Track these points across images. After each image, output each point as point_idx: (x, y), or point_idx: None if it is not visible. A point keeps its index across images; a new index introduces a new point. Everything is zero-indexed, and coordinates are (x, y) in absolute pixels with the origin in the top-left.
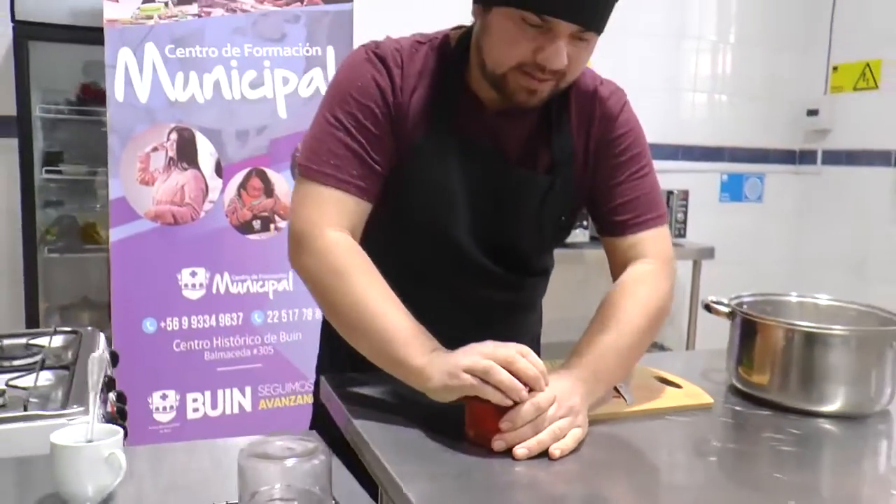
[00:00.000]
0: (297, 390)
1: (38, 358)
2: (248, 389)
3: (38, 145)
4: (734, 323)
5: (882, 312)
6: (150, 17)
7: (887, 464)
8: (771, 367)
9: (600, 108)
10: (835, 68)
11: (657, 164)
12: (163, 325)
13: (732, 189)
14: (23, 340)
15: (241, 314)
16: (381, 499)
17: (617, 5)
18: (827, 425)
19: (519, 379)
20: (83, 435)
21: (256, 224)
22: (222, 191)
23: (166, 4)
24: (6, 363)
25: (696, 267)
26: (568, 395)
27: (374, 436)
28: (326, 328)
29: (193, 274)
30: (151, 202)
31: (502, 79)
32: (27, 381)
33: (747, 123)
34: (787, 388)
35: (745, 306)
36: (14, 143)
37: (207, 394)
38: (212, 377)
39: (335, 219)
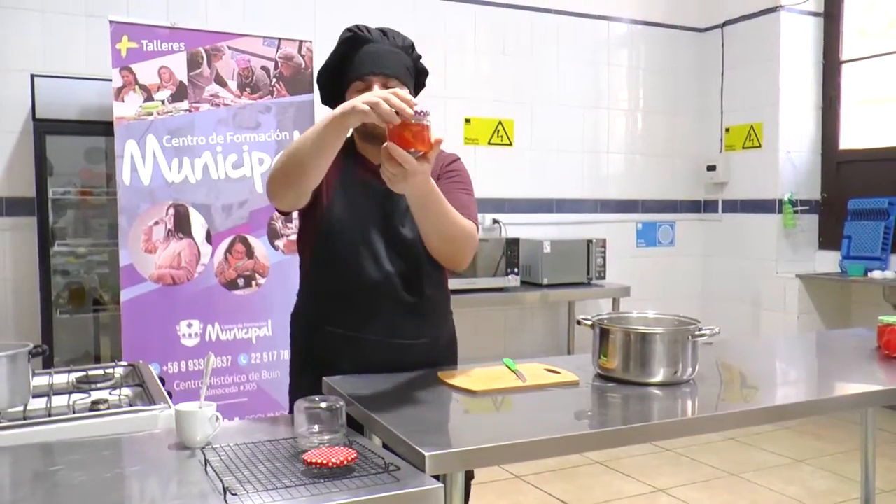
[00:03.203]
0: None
1: (115, 380)
2: (235, 419)
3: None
4: (595, 332)
5: (685, 318)
6: (151, 114)
7: (691, 408)
8: (616, 356)
9: (439, 161)
10: (727, 130)
11: (579, 217)
12: (165, 368)
13: (647, 236)
14: (100, 371)
15: (229, 357)
16: (365, 432)
17: (542, 81)
18: (654, 390)
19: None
20: (193, 406)
21: (241, 281)
22: (212, 255)
23: (163, 102)
24: (95, 384)
25: (615, 304)
26: (421, 172)
27: (349, 391)
28: (294, 326)
29: (190, 325)
30: (154, 267)
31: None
32: (119, 392)
33: (657, 178)
34: (627, 369)
35: (603, 320)
36: (34, 221)
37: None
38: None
39: None
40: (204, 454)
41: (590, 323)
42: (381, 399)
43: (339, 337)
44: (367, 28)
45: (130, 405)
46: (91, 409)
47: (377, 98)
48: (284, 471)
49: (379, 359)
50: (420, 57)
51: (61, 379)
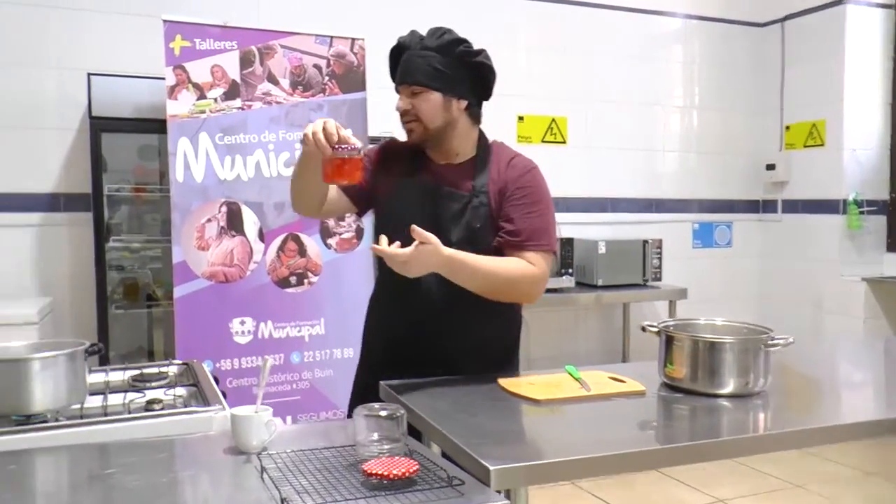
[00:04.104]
0: (330, 418)
1: (169, 379)
2: (288, 418)
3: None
4: (661, 339)
5: (757, 327)
6: (203, 112)
7: (766, 422)
8: (684, 365)
9: (510, 170)
10: (787, 127)
11: (634, 216)
12: (218, 365)
13: (703, 236)
14: (154, 369)
15: (282, 355)
16: (423, 439)
17: (595, 78)
18: (724, 402)
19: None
20: (249, 410)
21: (293, 279)
22: (264, 253)
23: (216, 100)
24: (150, 382)
25: (672, 306)
26: (415, 261)
27: (408, 397)
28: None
29: (242, 322)
30: (206, 264)
31: None
32: (174, 392)
33: (713, 177)
34: (695, 379)
35: (669, 327)
36: (89, 216)
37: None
38: None
39: None
40: (260, 461)
41: (655, 330)
42: (440, 406)
43: (388, 337)
44: (412, 34)
45: (185, 406)
46: (146, 409)
47: (308, 130)
48: (343, 481)
49: (426, 361)
50: (472, 52)
51: (117, 376)
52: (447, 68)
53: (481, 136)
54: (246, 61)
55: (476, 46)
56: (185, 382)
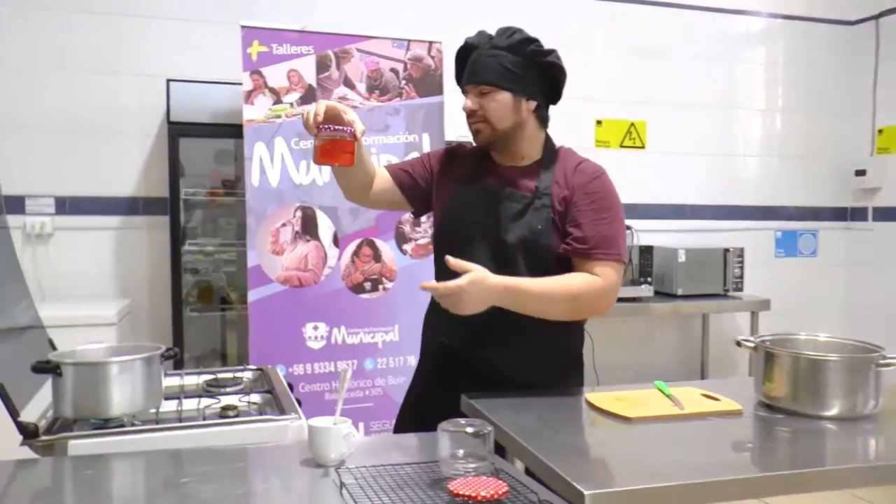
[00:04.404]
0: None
1: (244, 384)
2: (360, 425)
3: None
4: (758, 354)
5: (866, 345)
6: (279, 116)
7: (875, 451)
8: (785, 384)
9: (577, 175)
10: (879, 131)
11: (714, 224)
12: (291, 370)
13: (787, 245)
14: (229, 374)
15: (355, 361)
16: (507, 455)
17: (675, 80)
18: (829, 425)
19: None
20: (327, 422)
21: (367, 285)
22: (339, 258)
23: (291, 105)
24: (225, 388)
25: (754, 318)
26: (468, 294)
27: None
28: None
29: (316, 328)
30: (281, 269)
31: None
32: (248, 398)
33: (797, 183)
34: (797, 399)
35: (766, 342)
36: (166, 220)
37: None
38: (331, 414)
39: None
40: (339, 475)
41: (752, 345)
42: (525, 422)
43: (444, 350)
44: (480, 34)
45: (260, 413)
46: (220, 416)
47: (304, 111)
48: (427, 501)
49: (483, 375)
50: (543, 52)
51: (192, 381)
52: (517, 68)
53: (548, 139)
54: (322, 66)
55: (550, 48)
56: (260, 388)
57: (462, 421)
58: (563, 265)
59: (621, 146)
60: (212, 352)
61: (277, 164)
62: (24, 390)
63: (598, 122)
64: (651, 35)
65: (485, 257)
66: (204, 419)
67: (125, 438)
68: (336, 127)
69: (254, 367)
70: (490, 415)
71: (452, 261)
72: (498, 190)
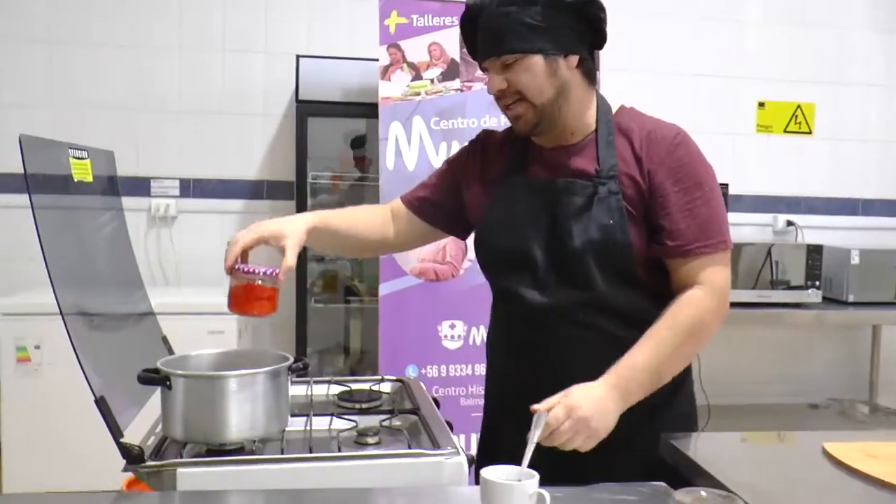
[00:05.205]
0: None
1: (381, 401)
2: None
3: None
4: None
5: None
6: (418, 94)
7: None
8: None
9: (652, 146)
10: None
11: (888, 222)
12: (423, 371)
13: None
14: (363, 386)
15: None
16: None
17: (847, 57)
18: None
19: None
20: (505, 474)
21: None
22: None
23: (432, 81)
24: (360, 404)
25: None
26: (584, 411)
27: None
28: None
29: (452, 326)
30: (416, 260)
31: None
32: (390, 421)
33: None
34: None
35: None
36: (292, 204)
37: (462, 436)
38: (467, 422)
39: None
40: None
41: None
42: (763, 484)
43: (502, 374)
44: None
45: (408, 445)
46: (358, 443)
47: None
48: None
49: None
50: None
51: (321, 392)
52: (540, 19)
53: (600, 102)
54: None
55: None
56: (404, 407)
57: (703, 492)
58: (650, 264)
59: (785, 131)
60: (335, 346)
61: (415, 146)
62: (134, 395)
63: (761, 105)
64: (820, 3)
65: (545, 275)
66: (339, 449)
67: (243, 470)
68: (253, 269)
69: (392, 377)
70: (713, 471)
71: (536, 407)
72: (548, 182)
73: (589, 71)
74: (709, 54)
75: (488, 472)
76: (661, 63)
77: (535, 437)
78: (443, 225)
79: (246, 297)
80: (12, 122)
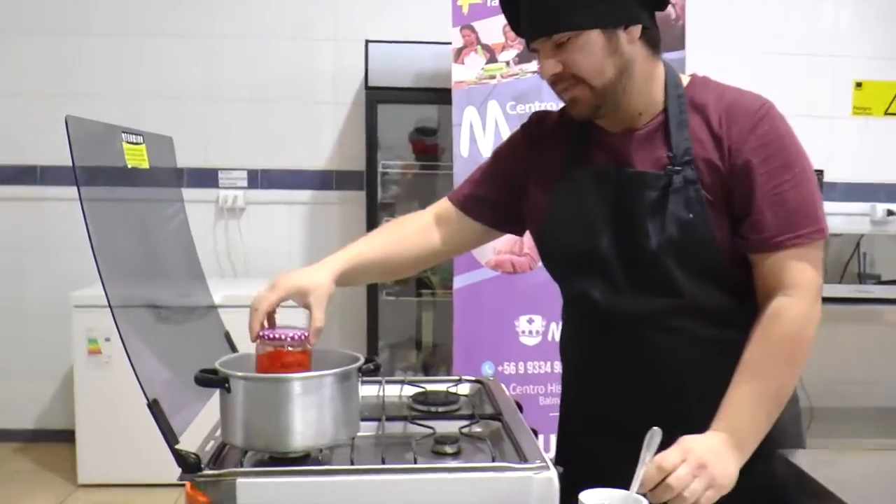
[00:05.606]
0: None
1: (459, 405)
2: None
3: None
4: None
5: None
6: (493, 77)
7: None
8: None
9: (732, 122)
10: None
11: None
12: (500, 368)
13: None
14: (439, 387)
15: None
16: None
17: None
18: None
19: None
20: (608, 498)
21: None
22: None
23: (508, 64)
24: (436, 407)
25: None
26: (701, 454)
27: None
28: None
29: (530, 321)
30: (492, 252)
31: None
32: (470, 428)
33: None
34: None
35: None
36: (362, 195)
37: (541, 437)
38: (545, 422)
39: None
40: None
41: None
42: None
43: (578, 384)
44: None
45: (492, 457)
46: (436, 455)
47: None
48: None
49: (632, 431)
50: None
51: (393, 392)
52: None
53: (668, 73)
54: None
55: None
56: (485, 413)
57: None
58: (736, 256)
59: (886, 114)
60: (407, 340)
61: (490, 131)
62: (194, 395)
63: (858, 85)
64: None
65: (620, 278)
66: (415, 460)
67: (308, 481)
68: (280, 334)
69: (470, 377)
70: (840, 493)
71: (639, 484)
72: (616, 173)
73: (652, 39)
74: (800, 31)
75: (589, 497)
76: (748, 42)
77: (646, 459)
78: (497, 223)
79: (274, 364)
80: (80, 113)
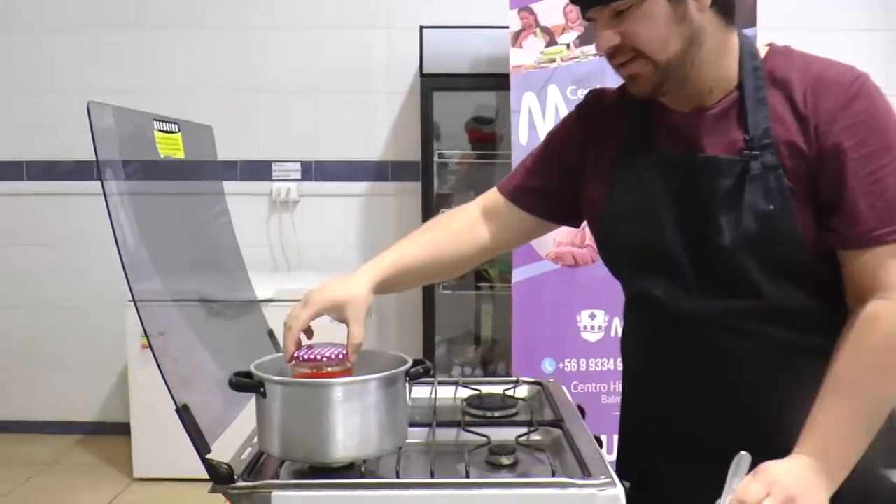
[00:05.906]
0: None
1: (517, 409)
2: None
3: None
4: None
5: None
6: (553, 61)
7: None
8: None
9: (819, 99)
10: None
11: None
12: (561, 365)
13: None
14: (495, 389)
15: None
16: None
17: None
18: None
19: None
20: None
21: None
22: None
23: (568, 46)
24: (492, 412)
25: None
26: (788, 485)
27: None
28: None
29: (592, 316)
30: (552, 244)
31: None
32: (528, 436)
33: None
34: None
35: None
36: (418, 186)
37: (604, 437)
38: (607, 422)
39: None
40: None
41: None
42: None
43: (642, 391)
44: None
45: (552, 471)
46: (491, 466)
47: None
48: None
49: (703, 446)
50: None
51: (446, 395)
52: None
53: (743, 41)
54: None
55: None
56: (545, 419)
57: None
58: (822, 250)
59: None
60: (465, 335)
61: (550, 117)
62: (231, 399)
63: None
64: None
65: (690, 277)
66: (467, 473)
67: (351, 495)
68: (317, 354)
69: (529, 379)
70: None
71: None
72: (684, 158)
73: (725, 6)
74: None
75: None
76: (824, 18)
77: (733, 484)
78: (551, 214)
79: None
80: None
